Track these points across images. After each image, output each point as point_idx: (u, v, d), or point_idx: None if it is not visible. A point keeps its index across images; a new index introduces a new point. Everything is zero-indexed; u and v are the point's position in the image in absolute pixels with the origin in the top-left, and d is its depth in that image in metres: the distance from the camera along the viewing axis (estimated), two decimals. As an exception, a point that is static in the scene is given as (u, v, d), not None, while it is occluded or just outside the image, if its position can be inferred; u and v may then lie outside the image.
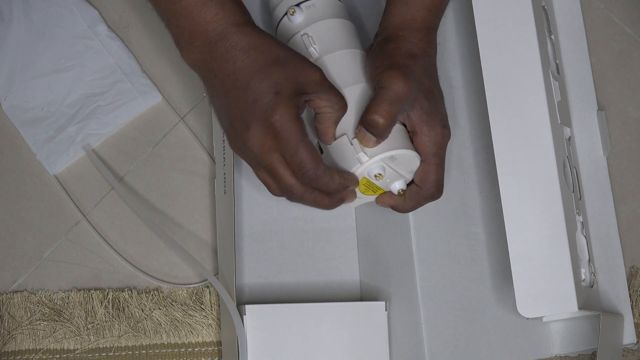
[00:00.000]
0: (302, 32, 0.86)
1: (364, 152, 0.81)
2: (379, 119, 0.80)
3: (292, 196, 0.80)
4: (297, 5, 0.87)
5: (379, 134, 0.81)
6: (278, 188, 0.80)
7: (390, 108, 0.80)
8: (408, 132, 0.83)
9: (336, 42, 0.86)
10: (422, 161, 0.83)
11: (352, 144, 0.81)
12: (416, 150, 0.83)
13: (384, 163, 0.81)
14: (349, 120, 0.82)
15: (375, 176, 0.81)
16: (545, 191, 0.85)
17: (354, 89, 0.83)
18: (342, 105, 0.81)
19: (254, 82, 0.77)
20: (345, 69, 0.85)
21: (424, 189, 0.84)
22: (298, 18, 0.87)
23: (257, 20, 0.96)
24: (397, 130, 0.82)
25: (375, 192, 0.85)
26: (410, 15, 0.84)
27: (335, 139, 0.83)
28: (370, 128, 0.80)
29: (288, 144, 0.77)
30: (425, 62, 0.84)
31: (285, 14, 0.88)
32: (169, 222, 0.93)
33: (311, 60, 0.84)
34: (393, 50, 0.83)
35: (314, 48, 0.85)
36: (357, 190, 0.83)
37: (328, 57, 0.85)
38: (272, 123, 0.77)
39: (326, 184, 0.79)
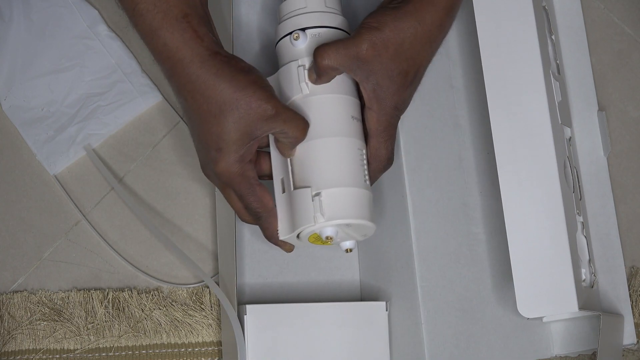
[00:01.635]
0: (299, 63, 0.82)
1: (321, 214, 0.79)
2: (325, 59, 0.79)
3: (245, 222, 0.84)
4: (303, 30, 0.83)
5: (318, 73, 0.80)
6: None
7: (337, 58, 0.78)
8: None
9: (331, 83, 0.82)
10: (370, 136, 0.82)
11: (313, 201, 0.79)
12: (365, 123, 0.82)
13: (338, 228, 0.80)
14: (319, 173, 0.80)
15: (327, 238, 0.80)
16: (546, 191, 0.85)
17: (332, 141, 0.81)
18: (299, 133, 0.79)
19: (201, 131, 0.78)
20: (329, 117, 0.81)
21: (376, 163, 0.83)
22: (300, 44, 0.83)
23: (255, 24, 0.97)
24: (360, 195, 0.80)
25: (323, 243, 0.83)
26: None
27: (293, 156, 0.81)
28: (314, 63, 0.80)
29: (237, 191, 0.81)
30: (420, 46, 0.80)
31: (289, 34, 0.84)
32: (169, 223, 0.93)
33: (298, 96, 0.82)
34: (390, 19, 0.80)
35: (306, 84, 0.82)
36: (303, 240, 0.82)
37: (317, 98, 0.82)
38: (219, 176, 0.80)
39: (265, 230, 0.82)
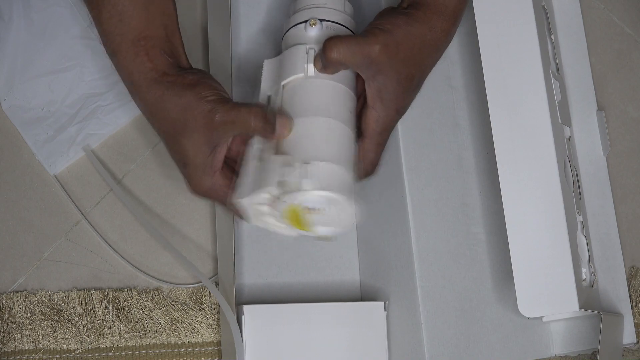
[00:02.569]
0: (309, 46, 0.83)
1: (309, 180, 0.77)
2: (333, 52, 0.79)
3: None
4: (321, 20, 0.85)
5: (324, 64, 0.80)
6: None
7: (349, 55, 0.79)
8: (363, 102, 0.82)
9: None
10: (364, 137, 0.82)
11: (301, 170, 0.77)
12: (362, 122, 0.82)
13: (324, 203, 0.78)
14: (312, 146, 0.79)
15: (312, 209, 0.78)
16: (546, 191, 0.85)
17: (331, 122, 0.80)
18: (258, 122, 0.78)
19: (167, 150, 0.81)
20: (331, 100, 0.82)
21: (362, 165, 0.83)
22: (315, 31, 0.84)
23: (260, 21, 0.97)
24: (351, 180, 0.79)
25: (299, 226, 0.80)
26: (442, 0, 0.82)
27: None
28: (323, 52, 0.80)
29: (217, 202, 0.83)
30: (426, 52, 0.82)
31: (305, 22, 0.85)
32: (169, 223, 0.93)
33: (300, 75, 0.81)
34: (403, 22, 0.81)
35: (312, 66, 0.82)
36: (281, 213, 0.79)
37: (321, 81, 0.82)
38: (194, 192, 0.82)
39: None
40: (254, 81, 0.95)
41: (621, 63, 1.01)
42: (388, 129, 0.83)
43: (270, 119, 0.78)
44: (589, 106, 0.97)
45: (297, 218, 0.79)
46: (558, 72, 0.94)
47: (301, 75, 0.82)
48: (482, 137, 0.93)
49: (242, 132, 0.79)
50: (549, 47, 0.93)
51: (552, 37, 0.94)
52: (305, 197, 0.77)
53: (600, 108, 0.97)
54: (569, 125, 0.93)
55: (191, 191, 0.82)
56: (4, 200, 0.93)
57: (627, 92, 1.00)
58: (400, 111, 0.82)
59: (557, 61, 0.94)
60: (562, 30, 0.98)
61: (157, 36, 0.79)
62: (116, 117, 0.95)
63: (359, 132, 0.83)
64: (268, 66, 0.86)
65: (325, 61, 0.80)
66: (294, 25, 0.86)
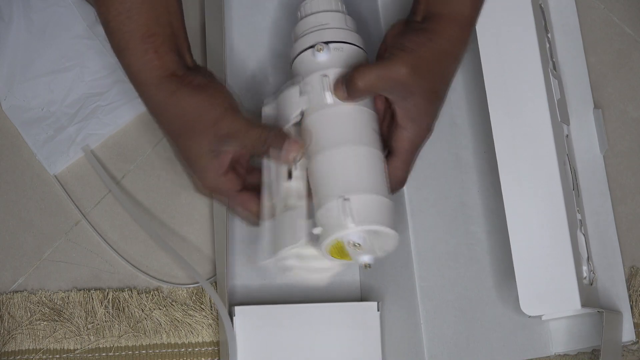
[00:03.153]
0: (322, 73, 0.82)
1: (352, 218, 0.77)
2: (360, 82, 0.78)
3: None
4: (326, 43, 0.83)
5: (350, 94, 0.80)
6: None
7: (377, 82, 0.78)
8: (391, 122, 0.82)
9: None
10: (394, 155, 0.82)
11: (342, 205, 0.77)
12: (391, 141, 0.82)
13: (366, 236, 0.78)
14: (346, 179, 0.79)
15: (354, 245, 0.77)
16: (547, 189, 0.85)
17: (360, 149, 0.80)
18: (258, 144, 0.79)
19: (173, 148, 0.81)
20: (356, 126, 0.81)
21: (390, 183, 0.83)
22: (323, 56, 0.83)
23: (264, 46, 0.97)
24: (389, 205, 0.79)
25: (341, 257, 0.81)
26: (458, 9, 0.81)
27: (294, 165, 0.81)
28: (348, 82, 0.79)
29: (221, 202, 0.84)
30: (447, 64, 0.81)
31: (311, 47, 0.83)
32: (168, 223, 0.93)
33: (320, 105, 0.81)
34: (426, 39, 0.80)
35: (330, 93, 0.81)
36: (324, 249, 0.79)
37: (342, 107, 0.81)
38: (198, 190, 0.83)
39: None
40: (250, 83, 0.95)
41: (621, 63, 1.01)
42: (418, 146, 0.82)
43: (277, 141, 0.78)
44: (586, 104, 0.97)
45: (339, 251, 0.79)
46: (555, 71, 0.94)
47: (322, 104, 0.81)
48: (481, 136, 0.93)
49: (247, 148, 0.79)
50: (546, 45, 0.93)
51: (549, 35, 0.94)
52: (349, 234, 0.77)
53: (597, 106, 0.97)
54: (568, 123, 0.93)
55: (195, 189, 0.82)
56: (4, 200, 0.93)
57: (626, 91, 1.00)
58: (430, 127, 0.82)
59: (554, 59, 0.94)
60: (558, 28, 0.98)
61: (164, 34, 0.78)
62: (116, 117, 0.95)
63: (388, 150, 0.82)
64: (266, 112, 0.85)
65: (352, 91, 0.79)
66: (301, 52, 0.84)
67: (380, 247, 0.80)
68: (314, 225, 0.78)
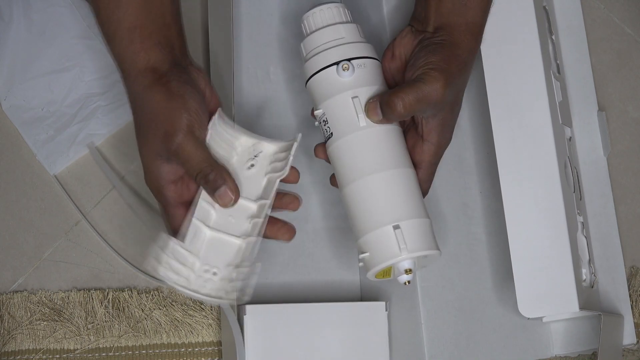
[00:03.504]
0: (353, 94, 0.81)
1: (405, 246, 0.78)
2: (399, 106, 0.78)
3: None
4: (349, 60, 0.81)
5: (388, 117, 0.80)
6: None
7: (415, 104, 0.79)
8: (415, 132, 0.82)
9: None
10: (419, 168, 0.83)
11: (395, 236, 0.78)
12: (416, 154, 0.82)
13: (415, 259, 0.80)
14: (392, 205, 0.79)
15: (406, 271, 0.79)
16: (547, 191, 0.85)
17: (391, 174, 0.80)
18: (196, 174, 0.78)
19: (136, 136, 0.80)
20: (394, 148, 0.81)
21: None
22: (349, 75, 0.81)
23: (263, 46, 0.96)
24: (431, 226, 0.81)
25: (384, 277, 0.83)
26: (471, 18, 0.82)
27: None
28: (385, 106, 0.79)
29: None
30: (467, 75, 0.82)
31: (330, 65, 0.82)
32: (169, 222, 0.93)
33: (354, 127, 0.80)
34: (450, 53, 0.80)
35: (364, 115, 0.80)
36: (373, 275, 0.81)
37: (377, 130, 0.80)
38: (146, 183, 0.81)
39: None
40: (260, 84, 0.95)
41: (621, 63, 1.01)
42: (440, 158, 0.84)
43: (215, 180, 0.77)
44: (589, 107, 0.96)
45: (383, 272, 0.81)
46: (559, 73, 0.94)
47: (356, 127, 0.80)
48: (482, 137, 0.93)
49: (187, 172, 0.79)
50: (550, 47, 0.93)
51: (553, 37, 0.94)
52: (402, 261, 0.79)
53: (600, 108, 0.97)
54: (570, 125, 0.93)
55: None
56: (4, 200, 0.92)
57: (627, 92, 1.00)
58: (451, 137, 0.83)
59: (557, 61, 0.94)
60: (563, 30, 0.97)
61: (152, 26, 0.79)
62: (116, 117, 0.95)
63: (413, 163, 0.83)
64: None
65: (390, 114, 0.79)
66: (320, 70, 0.82)
67: (424, 264, 0.82)
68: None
